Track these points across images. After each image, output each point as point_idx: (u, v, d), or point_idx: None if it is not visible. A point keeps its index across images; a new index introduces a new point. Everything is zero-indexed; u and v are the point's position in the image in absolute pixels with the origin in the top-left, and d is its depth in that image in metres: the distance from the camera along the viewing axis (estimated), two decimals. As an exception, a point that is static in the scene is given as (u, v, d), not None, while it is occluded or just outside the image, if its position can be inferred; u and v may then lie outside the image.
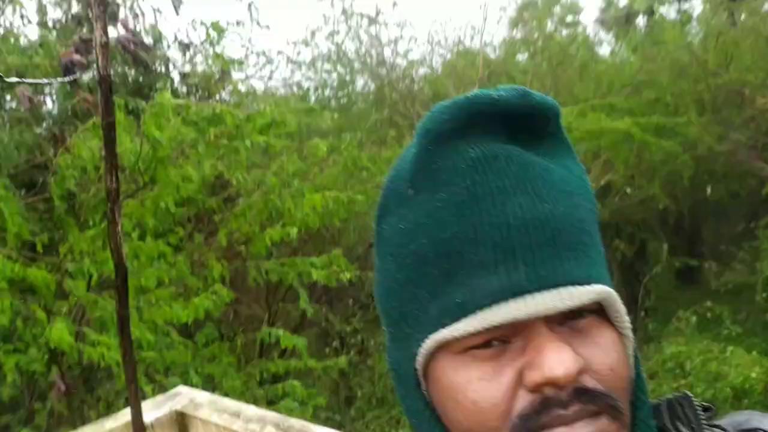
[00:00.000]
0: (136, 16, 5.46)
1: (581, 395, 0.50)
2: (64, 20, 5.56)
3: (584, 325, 0.53)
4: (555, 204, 0.53)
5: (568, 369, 0.49)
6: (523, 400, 0.51)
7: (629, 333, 0.55)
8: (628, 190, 7.34)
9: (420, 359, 0.56)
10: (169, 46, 5.93)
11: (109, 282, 3.68)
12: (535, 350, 0.51)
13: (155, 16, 6.42)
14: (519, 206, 0.52)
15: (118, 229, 1.65)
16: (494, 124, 0.55)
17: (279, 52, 8.10)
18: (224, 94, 6.28)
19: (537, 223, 0.52)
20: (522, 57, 9.14)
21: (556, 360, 0.49)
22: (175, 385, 2.80)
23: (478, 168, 0.53)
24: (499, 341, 0.53)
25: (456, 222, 0.53)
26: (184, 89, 6.02)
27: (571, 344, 0.51)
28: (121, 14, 5.33)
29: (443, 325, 0.53)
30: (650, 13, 10.03)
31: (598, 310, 0.54)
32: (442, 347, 0.54)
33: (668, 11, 10.04)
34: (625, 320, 0.54)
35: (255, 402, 3.72)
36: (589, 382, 0.51)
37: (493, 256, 0.51)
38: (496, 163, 0.54)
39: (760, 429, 0.61)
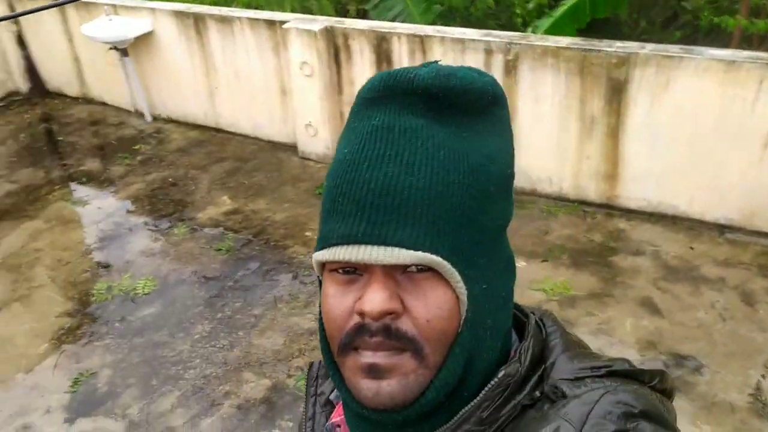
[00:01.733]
0: None
1: (386, 331, 0.64)
2: None
3: (421, 280, 0.64)
4: (421, 178, 0.62)
5: (374, 307, 0.62)
6: (352, 321, 0.65)
7: (464, 297, 0.65)
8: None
9: (315, 268, 0.70)
10: None
11: None
12: (367, 287, 0.64)
13: None
14: (384, 174, 0.63)
15: None
16: (412, 97, 0.65)
17: None
18: None
19: (391, 191, 0.62)
20: None
21: (371, 298, 0.63)
22: None
23: (372, 135, 0.65)
24: (353, 272, 0.66)
25: (342, 176, 0.66)
26: None
27: (402, 291, 0.64)
28: None
29: (317, 249, 0.68)
30: None
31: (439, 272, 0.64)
32: (326, 263, 0.68)
33: None
34: (460, 286, 0.64)
35: None
36: (404, 325, 0.64)
37: (349, 209, 0.64)
38: (388, 133, 0.64)
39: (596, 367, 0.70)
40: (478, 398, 0.67)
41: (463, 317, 0.65)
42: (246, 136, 5.81)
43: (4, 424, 3.18)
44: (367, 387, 0.65)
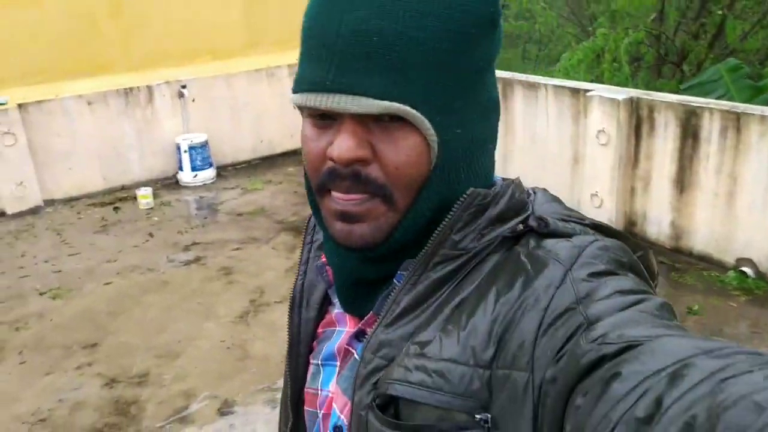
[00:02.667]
0: None
1: (355, 177, 0.65)
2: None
3: (393, 129, 0.64)
4: (392, 22, 0.60)
5: (341, 154, 0.64)
6: (326, 165, 0.67)
7: (435, 145, 0.65)
8: None
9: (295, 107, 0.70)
10: None
11: None
12: (337, 133, 0.65)
13: None
14: (355, 19, 0.61)
15: None
16: None
17: None
18: None
19: (360, 38, 0.61)
20: None
21: (339, 145, 0.64)
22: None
23: None
24: (327, 117, 0.66)
25: (314, 17, 0.65)
26: None
27: (373, 139, 0.64)
28: None
29: (293, 90, 0.68)
30: None
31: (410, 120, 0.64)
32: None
33: None
34: (430, 134, 0.64)
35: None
36: (374, 171, 0.65)
37: (319, 54, 0.63)
38: None
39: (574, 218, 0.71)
40: (447, 218, 0.67)
41: (432, 163, 0.65)
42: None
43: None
44: (339, 229, 0.69)
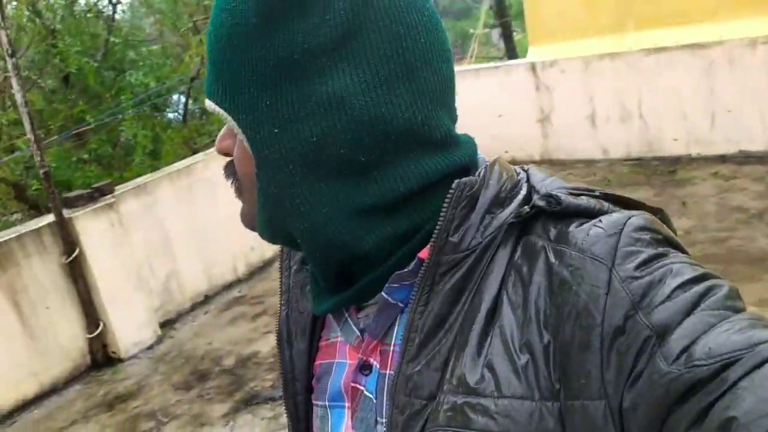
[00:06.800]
0: None
1: (227, 166, 0.70)
2: None
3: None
4: (212, 27, 0.64)
5: (215, 147, 0.72)
6: None
7: (244, 142, 0.63)
8: None
9: None
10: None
11: None
12: None
13: None
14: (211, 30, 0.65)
15: None
16: None
17: None
18: None
19: (210, 47, 0.64)
20: None
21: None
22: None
23: None
24: None
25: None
26: None
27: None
28: None
29: None
30: None
31: None
32: None
33: None
34: (238, 131, 0.63)
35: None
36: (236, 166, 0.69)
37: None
38: None
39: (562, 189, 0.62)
40: (440, 221, 0.61)
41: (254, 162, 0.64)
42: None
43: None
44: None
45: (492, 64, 7.99)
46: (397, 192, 0.61)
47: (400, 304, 0.64)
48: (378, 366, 0.66)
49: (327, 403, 0.72)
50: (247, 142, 0.62)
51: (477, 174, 0.63)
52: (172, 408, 3.82)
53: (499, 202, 0.62)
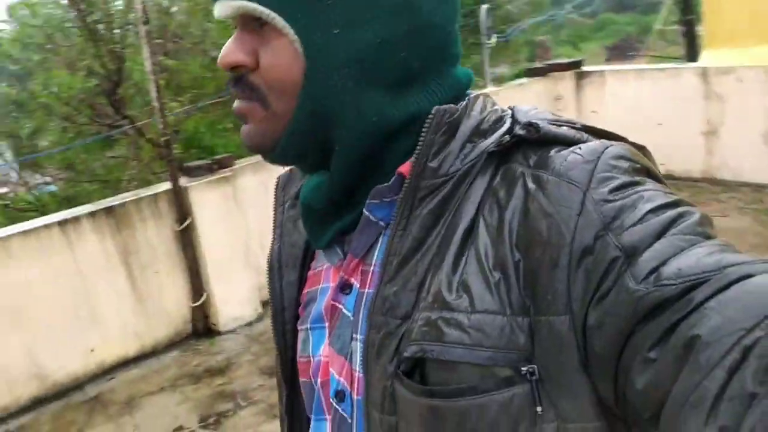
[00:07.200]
0: None
1: (236, 82, 0.65)
2: None
3: (265, 32, 0.63)
4: None
5: (220, 59, 0.65)
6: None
7: (297, 45, 0.61)
8: None
9: None
10: None
11: None
12: None
13: None
14: None
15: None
16: None
17: None
18: None
19: None
20: None
21: (221, 51, 0.65)
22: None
23: None
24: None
25: None
26: None
27: (257, 46, 0.63)
28: None
29: None
30: None
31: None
32: None
33: None
34: (290, 34, 0.61)
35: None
36: (254, 77, 0.64)
37: None
38: None
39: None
40: (419, 146, 0.62)
41: (304, 66, 0.62)
42: None
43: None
44: (241, 129, 0.68)
45: (658, 65, 7.25)
46: (424, 109, 0.63)
47: (381, 223, 0.66)
48: (358, 285, 0.68)
49: (308, 326, 0.75)
50: (301, 45, 0.61)
51: (460, 103, 0.64)
52: (252, 393, 3.77)
53: (481, 132, 0.63)
